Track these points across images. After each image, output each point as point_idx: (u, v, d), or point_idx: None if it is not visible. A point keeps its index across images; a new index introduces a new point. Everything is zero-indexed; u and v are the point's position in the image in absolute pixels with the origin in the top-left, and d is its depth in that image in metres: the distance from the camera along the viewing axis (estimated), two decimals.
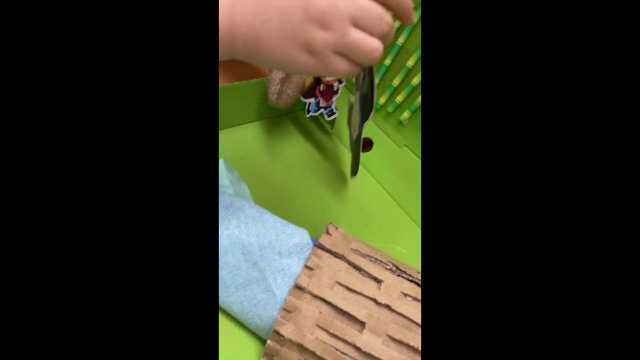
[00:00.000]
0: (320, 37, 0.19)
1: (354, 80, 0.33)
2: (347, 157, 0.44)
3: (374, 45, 0.20)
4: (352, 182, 0.41)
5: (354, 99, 0.33)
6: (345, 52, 0.20)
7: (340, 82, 0.36)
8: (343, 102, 0.43)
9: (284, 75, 0.36)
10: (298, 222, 0.35)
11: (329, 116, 0.33)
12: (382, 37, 0.21)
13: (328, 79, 0.36)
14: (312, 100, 0.35)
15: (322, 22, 0.19)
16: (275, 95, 0.37)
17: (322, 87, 0.35)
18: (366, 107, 0.30)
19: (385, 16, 0.20)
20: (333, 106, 0.33)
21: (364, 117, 0.31)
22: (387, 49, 0.41)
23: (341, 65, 0.20)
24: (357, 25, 0.20)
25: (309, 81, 0.36)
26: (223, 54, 0.20)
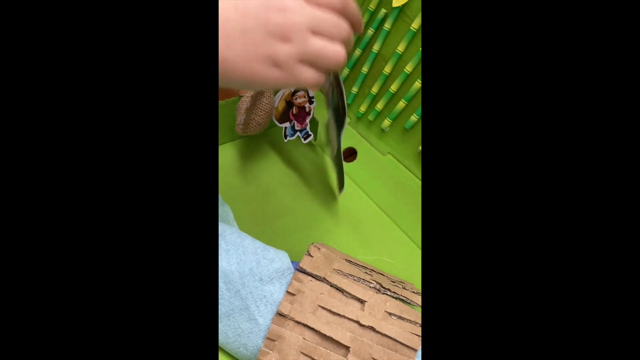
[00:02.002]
0: (283, 49, 0.20)
1: (324, 97, 0.33)
2: (330, 168, 0.44)
3: (336, 49, 0.21)
4: (335, 194, 0.41)
5: (328, 117, 0.33)
6: (309, 60, 0.21)
7: (310, 102, 0.36)
8: (320, 117, 0.43)
9: (250, 104, 0.36)
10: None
11: (305, 139, 0.33)
12: (342, 42, 0.21)
13: (299, 100, 0.36)
14: (287, 124, 0.35)
15: (283, 36, 0.20)
16: (240, 126, 0.36)
17: (294, 110, 0.34)
18: (339, 118, 0.30)
19: (342, 22, 0.21)
20: (308, 128, 0.33)
21: (339, 128, 0.30)
22: (363, 57, 0.40)
23: (308, 74, 0.21)
24: (317, 33, 0.20)
25: (281, 105, 0.35)
26: None
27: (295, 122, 0.34)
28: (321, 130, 0.43)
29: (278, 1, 0.19)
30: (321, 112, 0.41)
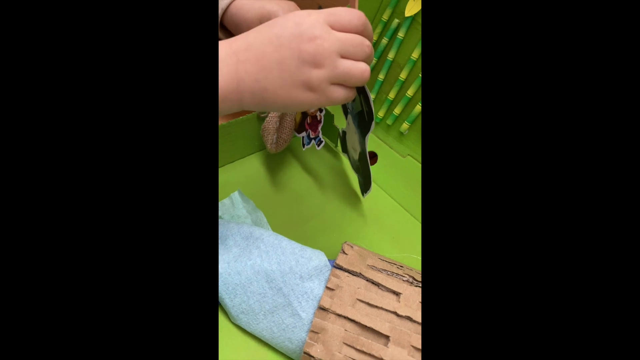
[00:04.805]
0: (316, 74, 0.22)
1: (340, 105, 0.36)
2: (352, 172, 0.46)
3: (362, 67, 0.23)
4: (362, 196, 0.43)
5: (345, 124, 0.35)
6: (339, 81, 0.23)
7: (320, 111, 0.38)
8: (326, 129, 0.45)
9: (278, 124, 0.38)
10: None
11: (318, 145, 0.35)
12: (366, 59, 0.24)
13: (311, 110, 0.38)
14: (304, 134, 0.37)
15: (315, 62, 0.22)
16: (274, 145, 0.39)
17: (309, 120, 0.37)
18: (364, 122, 0.31)
19: (364, 40, 0.23)
20: (320, 135, 0.35)
21: (364, 132, 0.32)
22: (379, 64, 0.42)
23: (339, 93, 0.23)
24: (344, 55, 0.23)
25: (298, 117, 0.38)
26: (233, 107, 0.23)
27: (310, 130, 0.36)
28: (339, 137, 0.45)
29: (308, 31, 0.21)
30: (340, 120, 0.43)
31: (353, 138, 0.36)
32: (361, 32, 0.23)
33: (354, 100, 0.31)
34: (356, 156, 0.37)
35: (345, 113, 0.35)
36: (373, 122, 0.31)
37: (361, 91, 0.29)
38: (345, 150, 0.41)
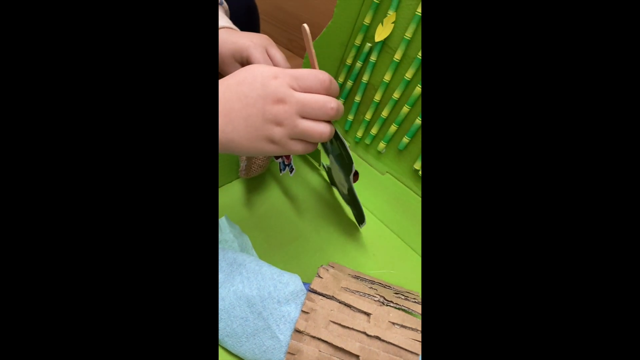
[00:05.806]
0: (277, 131, 0.25)
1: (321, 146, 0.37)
2: (335, 190, 0.47)
3: (320, 129, 0.25)
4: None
5: (329, 161, 0.37)
6: (298, 137, 0.26)
7: None
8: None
9: None
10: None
11: (291, 172, 0.37)
12: (330, 119, 0.26)
13: None
14: (280, 159, 0.39)
15: (277, 121, 0.25)
16: (243, 171, 0.41)
17: None
18: (345, 164, 0.33)
19: (328, 102, 0.25)
20: (292, 163, 0.37)
21: (347, 172, 0.34)
22: (355, 87, 0.44)
23: (298, 147, 0.26)
24: (304, 116, 0.25)
25: None
26: None
27: (284, 158, 0.38)
28: (325, 170, 0.47)
29: (272, 94, 0.24)
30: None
31: (339, 175, 0.37)
32: (326, 93, 0.25)
33: (332, 143, 0.33)
34: (345, 191, 0.39)
35: (327, 152, 0.36)
36: (353, 165, 0.32)
37: (337, 137, 0.31)
38: (333, 183, 0.43)
